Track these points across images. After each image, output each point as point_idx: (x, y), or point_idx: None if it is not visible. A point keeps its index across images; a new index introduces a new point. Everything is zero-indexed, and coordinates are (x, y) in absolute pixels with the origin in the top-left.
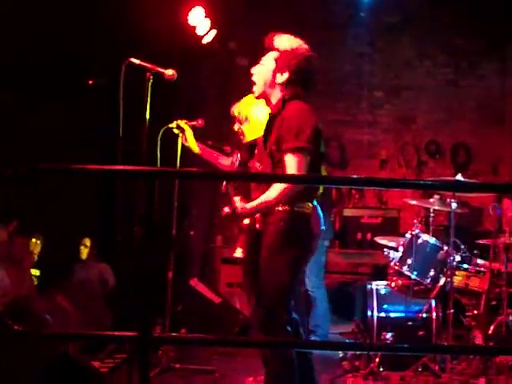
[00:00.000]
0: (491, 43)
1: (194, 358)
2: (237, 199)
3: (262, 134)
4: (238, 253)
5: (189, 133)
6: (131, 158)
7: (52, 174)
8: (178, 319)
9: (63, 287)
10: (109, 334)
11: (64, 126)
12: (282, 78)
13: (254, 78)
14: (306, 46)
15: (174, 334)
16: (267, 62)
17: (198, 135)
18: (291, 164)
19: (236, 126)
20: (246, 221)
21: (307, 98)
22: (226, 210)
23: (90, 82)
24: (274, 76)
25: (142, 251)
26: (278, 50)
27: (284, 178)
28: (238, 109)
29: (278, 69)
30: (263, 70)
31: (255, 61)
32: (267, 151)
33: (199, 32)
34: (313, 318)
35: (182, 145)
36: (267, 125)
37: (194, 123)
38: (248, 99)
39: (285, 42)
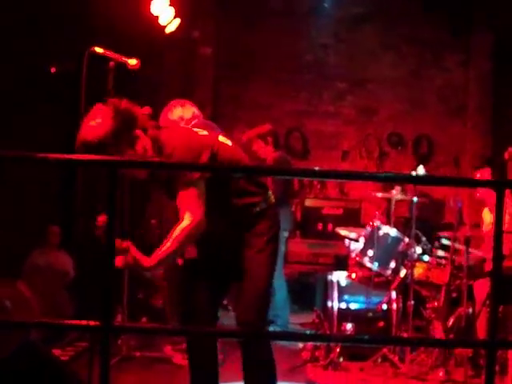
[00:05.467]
0: (455, 34)
1: (155, 347)
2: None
3: None
4: None
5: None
6: None
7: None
8: (138, 307)
9: (22, 273)
10: (71, 322)
11: (24, 114)
12: None
13: None
14: None
15: (134, 322)
16: None
17: None
18: None
19: None
20: None
21: None
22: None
23: (53, 70)
24: None
25: (103, 240)
26: None
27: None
28: None
29: None
30: None
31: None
32: None
33: (162, 21)
34: (272, 307)
35: None
36: None
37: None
38: None
39: None
